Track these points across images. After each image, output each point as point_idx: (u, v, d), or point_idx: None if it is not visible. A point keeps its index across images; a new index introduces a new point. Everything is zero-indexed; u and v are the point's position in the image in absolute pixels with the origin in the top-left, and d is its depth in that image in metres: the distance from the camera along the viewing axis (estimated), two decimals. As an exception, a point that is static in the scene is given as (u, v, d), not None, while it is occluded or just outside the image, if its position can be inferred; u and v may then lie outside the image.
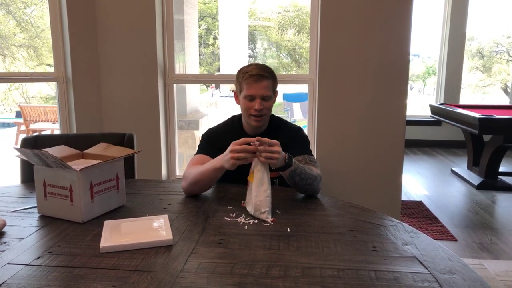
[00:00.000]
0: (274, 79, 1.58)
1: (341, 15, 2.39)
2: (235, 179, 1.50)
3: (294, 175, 1.37)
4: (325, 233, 1.14)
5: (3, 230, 1.15)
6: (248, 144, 1.27)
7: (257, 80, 1.52)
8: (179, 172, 2.81)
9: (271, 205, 1.24)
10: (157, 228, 1.13)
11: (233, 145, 1.29)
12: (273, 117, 1.69)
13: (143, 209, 1.34)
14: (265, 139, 1.27)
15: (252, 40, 16.06)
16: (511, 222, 3.12)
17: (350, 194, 2.51)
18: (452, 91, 5.86)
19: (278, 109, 8.90)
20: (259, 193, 1.24)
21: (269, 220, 1.22)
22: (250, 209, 1.27)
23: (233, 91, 1.69)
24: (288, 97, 7.41)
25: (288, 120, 4.08)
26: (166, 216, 1.21)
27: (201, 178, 1.41)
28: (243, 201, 1.35)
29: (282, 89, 7.81)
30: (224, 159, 1.32)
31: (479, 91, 14.61)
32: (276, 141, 1.29)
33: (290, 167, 1.35)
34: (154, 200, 1.43)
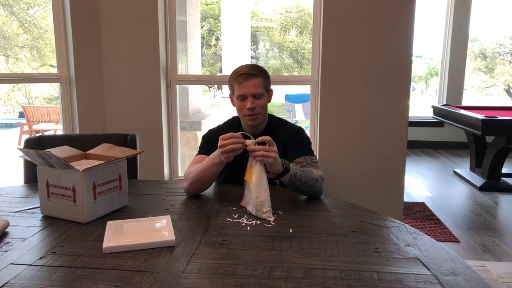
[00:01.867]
0: (265, 77, 1.57)
1: (344, 16, 2.39)
2: (237, 179, 1.50)
3: (294, 179, 1.37)
4: (327, 234, 1.14)
5: (6, 230, 1.16)
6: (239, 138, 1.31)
7: (246, 79, 1.52)
8: (181, 172, 2.81)
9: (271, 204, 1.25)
10: (159, 228, 1.14)
11: (220, 140, 1.32)
12: (273, 117, 1.69)
13: (145, 209, 1.34)
14: (268, 138, 1.29)
15: (254, 41, 16.06)
16: (514, 224, 3.11)
17: (352, 195, 2.50)
18: (455, 92, 5.85)
19: (281, 110, 8.91)
20: (259, 194, 1.24)
21: (271, 219, 1.22)
22: (250, 209, 1.27)
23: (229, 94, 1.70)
24: (290, 98, 7.42)
25: (290, 121, 4.07)
26: (168, 216, 1.21)
27: (201, 176, 1.42)
28: (242, 201, 1.35)
29: (284, 90, 7.83)
30: (219, 154, 1.35)
31: (481, 92, 14.58)
32: (274, 143, 1.30)
33: (289, 172, 1.35)
34: (156, 200, 1.43)
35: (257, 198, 1.24)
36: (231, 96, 1.64)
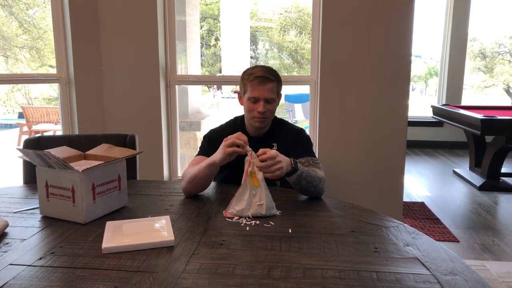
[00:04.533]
0: (279, 82, 1.58)
1: (343, 16, 2.39)
2: (237, 180, 1.50)
3: (300, 179, 1.37)
4: (327, 234, 1.14)
5: (6, 231, 1.16)
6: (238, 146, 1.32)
7: (262, 82, 1.52)
8: (180, 173, 2.81)
9: None
10: (159, 229, 1.14)
11: (224, 141, 1.33)
12: (275, 118, 1.69)
13: (145, 210, 1.34)
14: (274, 152, 1.28)
15: (253, 41, 16.07)
16: (514, 223, 3.11)
17: (352, 195, 2.50)
18: (454, 92, 5.85)
19: (280, 110, 8.90)
20: (267, 193, 1.27)
21: (279, 212, 1.28)
22: (257, 211, 1.26)
23: (236, 91, 1.70)
24: (290, 98, 7.42)
25: (290, 121, 4.06)
26: (167, 217, 1.21)
27: (196, 175, 1.42)
28: (226, 211, 1.30)
29: (283, 90, 7.81)
30: (216, 155, 1.36)
31: (481, 92, 14.58)
32: (275, 152, 1.29)
33: (297, 172, 1.35)
34: (156, 201, 1.43)
35: (266, 196, 1.26)
36: (239, 94, 1.64)
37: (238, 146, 1.31)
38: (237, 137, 1.31)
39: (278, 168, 1.27)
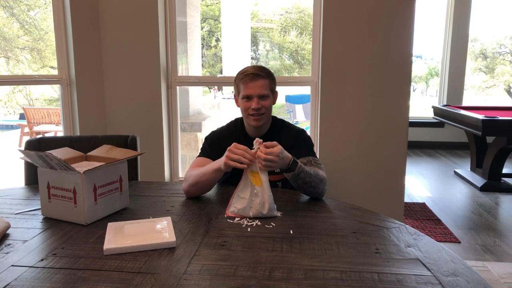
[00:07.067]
0: (271, 79, 1.58)
1: (344, 16, 2.40)
2: (239, 181, 1.50)
3: (297, 178, 1.37)
4: (328, 235, 1.14)
5: (7, 232, 1.16)
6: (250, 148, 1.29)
7: (253, 79, 1.53)
8: (182, 174, 2.81)
9: None
10: (160, 230, 1.14)
11: (232, 147, 1.30)
12: (276, 119, 1.69)
13: (146, 211, 1.34)
14: (277, 149, 1.28)
15: (254, 42, 16.09)
16: (515, 224, 3.11)
17: (353, 196, 2.50)
18: (455, 93, 5.85)
19: (281, 111, 8.90)
20: (270, 194, 1.26)
21: (280, 213, 1.28)
22: (259, 211, 1.26)
23: (232, 92, 1.70)
24: (291, 99, 7.42)
25: (291, 122, 4.06)
26: (169, 218, 1.21)
27: (200, 180, 1.41)
28: (227, 210, 1.30)
29: (284, 91, 7.83)
30: (222, 161, 1.34)
31: (482, 93, 14.58)
32: (275, 142, 1.30)
33: (293, 171, 1.35)
34: (157, 202, 1.43)
35: (270, 197, 1.25)
36: (235, 97, 1.64)
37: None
38: (243, 155, 1.26)
39: (269, 165, 1.26)
